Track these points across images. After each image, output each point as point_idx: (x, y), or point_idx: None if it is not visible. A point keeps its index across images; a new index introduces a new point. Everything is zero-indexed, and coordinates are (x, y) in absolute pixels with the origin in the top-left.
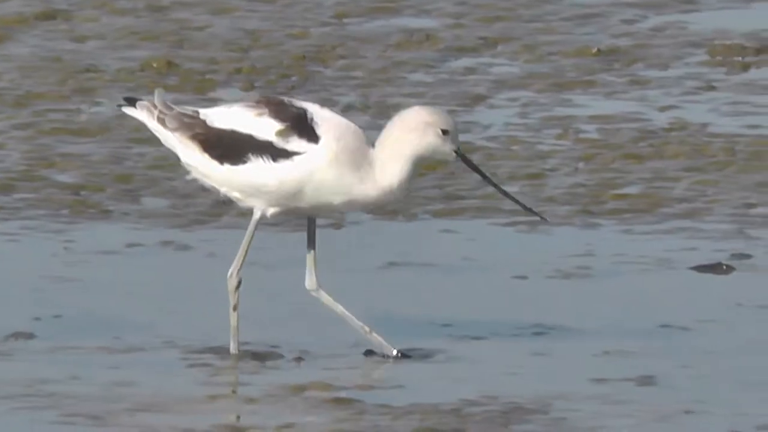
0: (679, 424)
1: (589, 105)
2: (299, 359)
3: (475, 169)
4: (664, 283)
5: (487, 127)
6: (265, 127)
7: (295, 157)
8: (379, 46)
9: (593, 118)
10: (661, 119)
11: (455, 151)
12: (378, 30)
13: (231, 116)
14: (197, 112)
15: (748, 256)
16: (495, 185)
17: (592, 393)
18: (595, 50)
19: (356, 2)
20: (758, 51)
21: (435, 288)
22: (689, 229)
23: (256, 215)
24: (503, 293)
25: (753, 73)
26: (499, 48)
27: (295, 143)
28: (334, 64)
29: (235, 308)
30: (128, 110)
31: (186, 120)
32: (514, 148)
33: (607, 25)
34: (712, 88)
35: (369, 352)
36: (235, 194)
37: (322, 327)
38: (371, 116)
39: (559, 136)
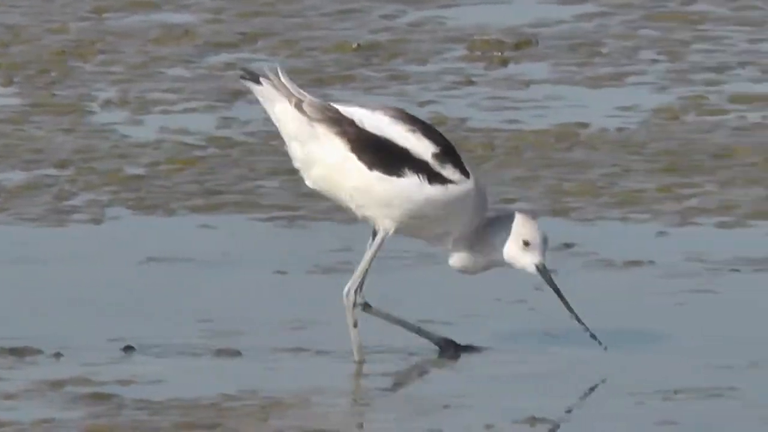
0: (437, 419)
1: (348, 100)
2: (58, 354)
3: (556, 291)
4: (425, 278)
5: (246, 122)
6: (421, 146)
7: (449, 185)
8: (138, 41)
9: None
10: (421, 114)
11: (536, 265)
12: (137, 25)
13: (382, 124)
14: (331, 106)
15: None
16: (572, 312)
17: (352, 388)
18: (354, 45)
19: None
20: (516, 46)
21: (195, 283)
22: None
23: (383, 234)
24: (263, 288)
25: (512, 68)
26: (259, 43)
27: (449, 171)
28: (94, 59)
29: (355, 325)
30: (253, 86)
31: (329, 113)
32: (273, 143)
33: (366, 21)
34: (471, 83)
35: (128, 348)
36: (364, 204)
37: (82, 322)
38: (130, 112)
39: None
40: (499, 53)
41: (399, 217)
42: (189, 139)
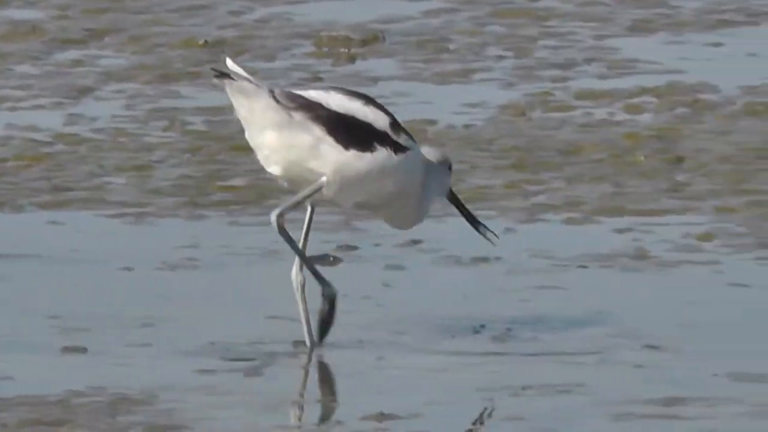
0: (285, 414)
1: (195, 97)
2: None
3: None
4: (271, 274)
5: (94, 119)
6: (380, 118)
7: (408, 152)
8: None
9: (200, 110)
10: None
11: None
12: None
13: (343, 102)
14: (296, 93)
15: (355, 248)
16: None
17: (199, 384)
18: (201, 42)
19: None
20: (364, 42)
21: (42, 280)
22: (295, 221)
23: (325, 192)
24: (110, 285)
25: (359, 65)
26: (106, 40)
27: (404, 138)
28: None
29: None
30: (227, 82)
31: (300, 100)
32: (122, 140)
33: (213, 17)
34: (319, 80)
35: None
36: (337, 183)
37: None
38: None
39: (166, 128)
40: (347, 50)
41: (363, 193)
42: (37, 136)
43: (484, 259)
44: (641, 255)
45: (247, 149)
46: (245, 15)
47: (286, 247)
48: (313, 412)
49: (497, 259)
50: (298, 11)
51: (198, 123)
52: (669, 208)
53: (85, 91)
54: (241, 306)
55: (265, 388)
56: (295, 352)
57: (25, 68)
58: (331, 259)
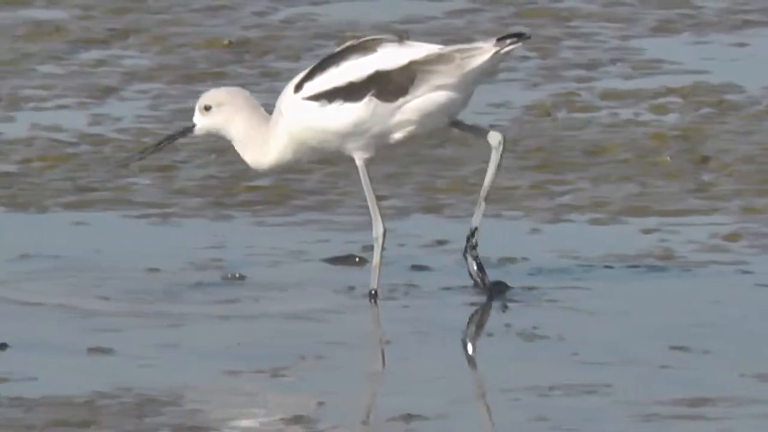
0: (310, 416)
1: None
2: None
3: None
4: (296, 275)
5: (118, 119)
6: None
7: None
8: (7, 37)
9: None
10: None
11: None
12: (6, 21)
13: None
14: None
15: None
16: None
17: (225, 385)
18: (226, 42)
19: None
20: None
21: (68, 281)
22: (321, 221)
23: (362, 162)
24: (136, 286)
25: None
26: (130, 40)
27: None
28: None
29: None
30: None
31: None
32: (146, 140)
33: (237, 17)
34: None
35: (2, 345)
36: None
37: None
38: (2, 108)
39: None
40: None
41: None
42: (61, 136)
43: (511, 260)
44: (667, 255)
45: None
46: (269, 15)
47: (311, 247)
48: (339, 413)
49: (524, 259)
50: (322, 11)
51: None
52: (695, 208)
53: (108, 91)
54: (267, 306)
55: (290, 389)
56: (319, 352)
57: (49, 68)
58: (357, 259)
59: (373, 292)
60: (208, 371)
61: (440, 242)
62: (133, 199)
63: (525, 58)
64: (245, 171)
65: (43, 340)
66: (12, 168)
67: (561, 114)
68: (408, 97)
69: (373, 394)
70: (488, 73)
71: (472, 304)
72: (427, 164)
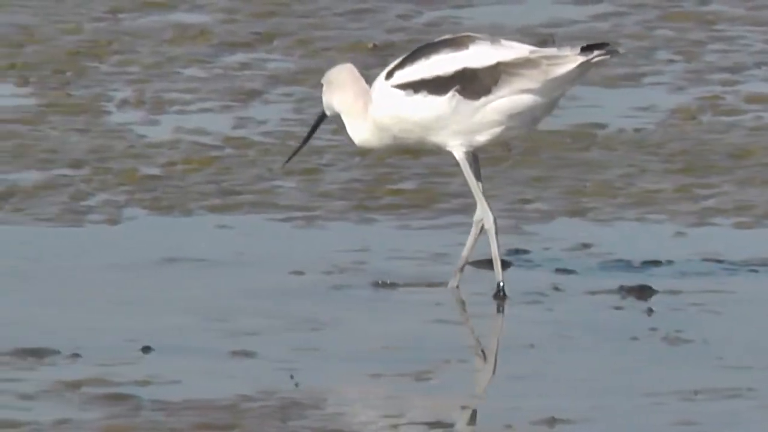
0: (454, 419)
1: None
2: (75, 355)
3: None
4: (440, 278)
5: (262, 122)
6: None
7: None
8: (152, 41)
9: None
10: None
11: None
12: (152, 25)
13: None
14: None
15: (525, 251)
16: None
17: (369, 388)
18: (370, 45)
19: None
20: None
21: (211, 284)
22: (465, 225)
23: (461, 154)
24: (279, 289)
25: None
26: (274, 43)
27: None
28: (109, 59)
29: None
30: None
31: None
32: (290, 143)
33: (381, 20)
34: None
35: (146, 348)
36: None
37: (99, 322)
38: (146, 111)
39: (335, 131)
40: None
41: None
42: (205, 139)
43: (655, 263)
44: None
45: (417, 153)
46: (413, 19)
47: (455, 251)
48: (483, 416)
49: (668, 262)
50: (466, 15)
51: None
52: None
53: (252, 95)
54: (411, 310)
55: (434, 393)
56: (462, 356)
57: (193, 71)
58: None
59: (500, 284)
60: (351, 374)
61: (585, 245)
62: (278, 202)
63: (671, 61)
64: (389, 174)
65: (187, 344)
66: (156, 171)
67: (706, 117)
68: (491, 97)
69: (517, 398)
70: (573, 81)
71: (617, 307)
72: (573, 167)
